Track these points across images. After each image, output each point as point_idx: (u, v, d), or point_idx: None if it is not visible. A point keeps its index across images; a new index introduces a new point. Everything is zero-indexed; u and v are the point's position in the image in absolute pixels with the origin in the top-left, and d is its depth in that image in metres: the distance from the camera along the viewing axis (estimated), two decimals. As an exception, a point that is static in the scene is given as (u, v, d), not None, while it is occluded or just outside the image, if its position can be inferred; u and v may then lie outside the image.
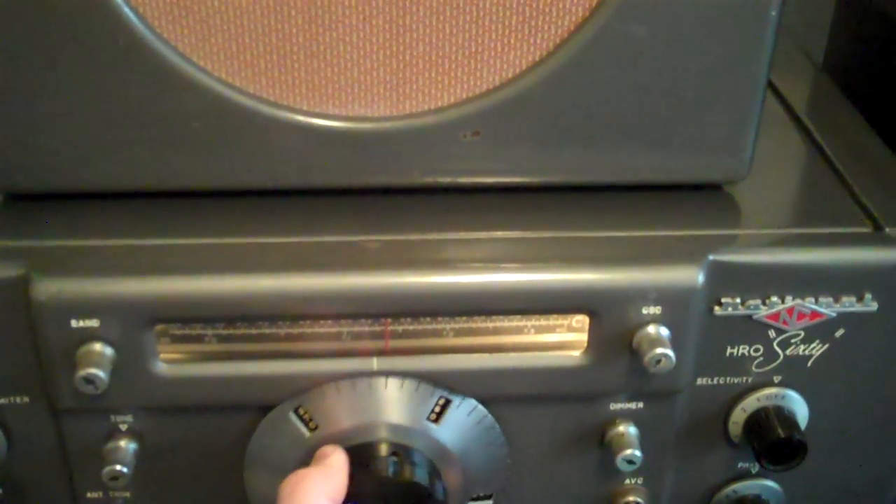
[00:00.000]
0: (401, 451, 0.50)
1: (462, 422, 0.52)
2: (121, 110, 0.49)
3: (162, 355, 0.50)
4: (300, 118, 0.50)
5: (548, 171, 0.53)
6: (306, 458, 0.50)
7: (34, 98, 0.49)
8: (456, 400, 0.51)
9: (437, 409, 0.51)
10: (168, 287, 0.48)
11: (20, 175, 0.51)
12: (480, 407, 0.52)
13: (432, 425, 0.51)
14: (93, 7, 0.47)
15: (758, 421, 0.54)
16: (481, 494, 0.54)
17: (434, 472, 0.51)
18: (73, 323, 0.48)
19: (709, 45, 0.50)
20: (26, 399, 0.51)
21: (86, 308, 0.48)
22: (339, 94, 0.50)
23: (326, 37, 0.49)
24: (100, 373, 0.47)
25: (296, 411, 0.51)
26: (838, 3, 0.79)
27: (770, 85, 0.67)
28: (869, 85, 0.73)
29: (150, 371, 0.49)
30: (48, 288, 0.47)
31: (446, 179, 0.53)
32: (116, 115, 0.49)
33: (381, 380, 0.51)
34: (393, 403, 0.51)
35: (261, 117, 0.50)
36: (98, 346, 0.48)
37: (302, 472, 0.47)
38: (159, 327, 0.49)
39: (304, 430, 0.51)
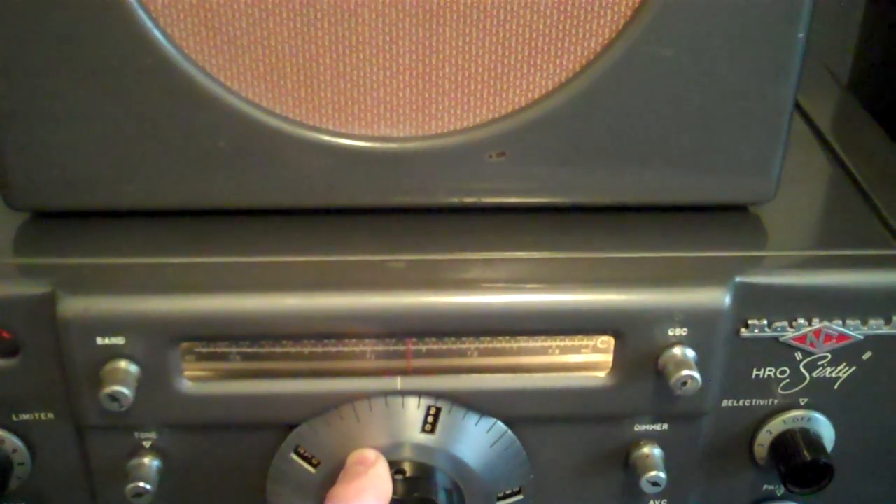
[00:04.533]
0: (403, 467, 0.51)
1: (460, 426, 0.51)
2: (147, 129, 0.50)
3: (186, 373, 0.50)
4: (326, 138, 0.50)
5: (573, 191, 0.53)
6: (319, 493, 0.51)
7: (61, 117, 0.49)
8: (446, 406, 0.51)
9: (430, 420, 0.51)
10: (193, 305, 0.48)
11: (46, 193, 0.52)
12: (473, 412, 0.51)
13: (429, 436, 0.51)
14: (121, 28, 0.47)
15: (784, 443, 0.54)
16: (507, 492, 0.54)
17: (442, 483, 0.51)
18: (99, 340, 0.48)
19: (736, 67, 0.50)
20: (51, 415, 0.51)
21: (111, 326, 0.48)
22: (365, 114, 0.50)
23: (353, 58, 0.49)
24: (125, 390, 0.47)
25: (296, 451, 0.52)
26: (863, 22, 0.78)
27: (796, 105, 0.67)
28: (894, 104, 0.72)
29: (175, 388, 0.49)
30: (74, 305, 0.48)
31: (471, 199, 0.53)
32: (143, 134, 0.50)
33: (365, 403, 0.51)
34: (384, 422, 0.51)
35: (287, 137, 0.50)
36: (123, 364, 0.48)
37: (354, 489, 0.47)
38: (184, 345, 0.49)
39: (308, 468, 0.51)
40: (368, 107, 0.50)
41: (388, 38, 0.48)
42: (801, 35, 0.49)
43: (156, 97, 0.49)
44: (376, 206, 0.53)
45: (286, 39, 0.48)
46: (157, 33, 0.47)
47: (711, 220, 0.55)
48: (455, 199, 0.53)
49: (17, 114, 0.49)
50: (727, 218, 0.55)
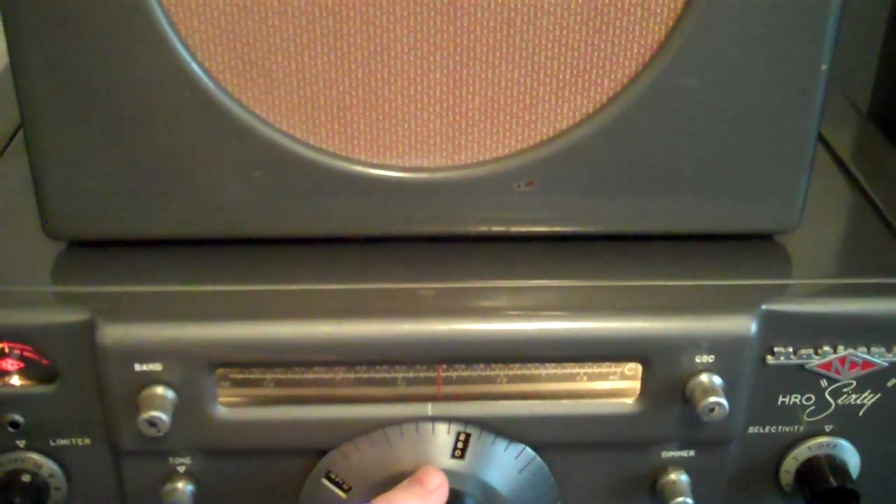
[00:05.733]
0: None
1: (489, 452, 0.52)
2: (184, 160, 0.51)
3: (221, 399, 0.51)
4: (358, 168, 0.51)
5: (601, 220, 0.54)
6: None
7: (99, 148, 0.50)
8: (475, 432, 0.52)
9: (460, 445, 0.52)
10: (229, 332, 0.49)
11: (84, 223, 0.53)
12: (502, 438, 0.52)
13: (459, 461, 0.52)
14: (161, 61, 0.48)
15: (809, 470, 0.54)
16: None
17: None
18: (137, 367, 0.49)
19: (760, 98, 0.50)
20: (87, 441, 0.52)
21: (149, 352, 0.49)
22: (396, 145, 0.51)
23: (385, 90, 0.50)
24: (162, 415, 0.48)
25: (327, 477, 0.52)
26: (883, 51, 0.79)
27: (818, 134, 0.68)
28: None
29: (210, 414, 0.50)
30: (112, 332, 0.49)
31: (500, 228, 0.54)
32: (180, 165, 0.51)
33: (395, 429, 0.51)
34: (415, 448, 0.51)
35: (320, 167, 0.51)
36: (160, 390, 0.49)
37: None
38: (220, 371, 0.50)
39: (339, 493, 0.52)
40: (400, 138, 0.51)
41: (419, 71, 0.50)
42: (824, 67, 0.50)
43: (193, 129, 0.50)
44: (407, 235, 0.54)
45: (320, 72, 0.49)
46: (195, 67, 0.49)
47: (737, 249, 0.55)
48: (484, 228, 0.54)
49: (56, 145, 0.50)
50: (752, 246, 0.56)
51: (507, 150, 0.52)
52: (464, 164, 0.52)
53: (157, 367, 0.49)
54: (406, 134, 0.51)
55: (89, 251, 0.54)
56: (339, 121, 0.51)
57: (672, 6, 0.49)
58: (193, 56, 0.49)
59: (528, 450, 0.52)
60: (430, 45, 0.49)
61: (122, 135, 0.50)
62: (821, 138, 0.67)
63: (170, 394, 0.49)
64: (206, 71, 0.49)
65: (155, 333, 0.49)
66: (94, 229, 0.53)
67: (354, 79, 0.50)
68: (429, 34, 0.49)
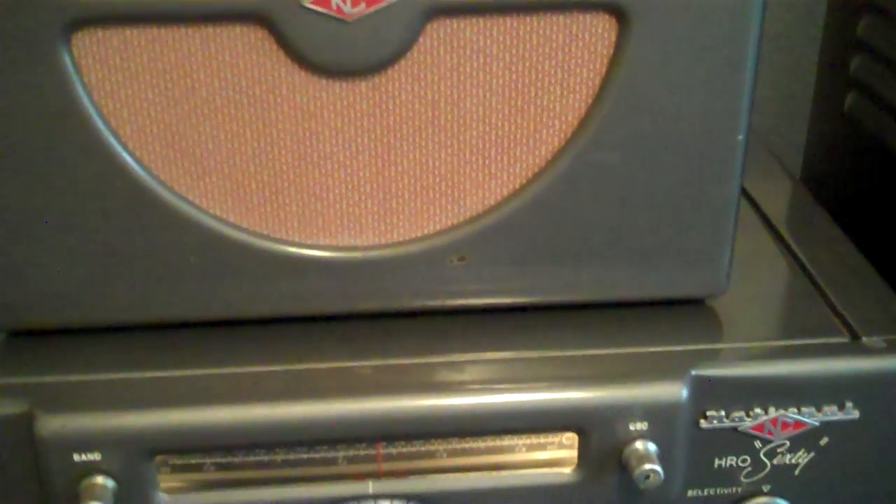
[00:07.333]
0: None
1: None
2: (120, 248, 0.51)
3: (162, 485, 0.51)
4: (292, 250, 0.52)
5: (532, 291, 0.55)
6: None
7: (34, 239, 0.51)
8: None
9: None
10: (167, 419, 0.49)
11: (22, 313, 0.53)
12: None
13: None
14: (93, 153, 0.49)
15: (749, 530, 0.55)
16: None
17: None
18: (76, 457, 0.49)
19: (679, 170, 0.52)
20: (28, 532, 0.52)
21: (87, 442, 0.49)
22: (328, 225, 0.52)
23: (315, 173, 0.51)
24: (102, 505, 0.48)
25: None
26: (813, 114, 0.82)
27: (748, 196, 0.69)
28: (845, 193, 0.75)
29: (152, 501, 0.50)
30: (51, 424, 0.49)
31: (435, 303, 0.55)
32: (116, 253, 0.52)
33: None
34: None
35: (254, 250, 0.52)
36: (100, 479, 0.49)
37: None
38: (159, 458, 0.50)
39: None
40: (332, 219, 0.52)
41: (347, 154, 0.51)
42: (740, 137, 0.52)
43: (127, 217, 0.51)
44: (342, 313, 0.55)
45: (251, 158, 0.50)
46: (127, 157, 0.50)
47: (668, 314, 0.56)
48: (418, 304, 0.55)
49: (-8, 237, 0.51)
50: (683, 311, 0.57)
51: (437, 227, 0.53)
52: (396, 241, 0.53)
53: (96, 456, 0.49)
54: (337, 214, 0.52)
55: (26, 341, 0.54)
56: (271, 204, 0.52)
57: (590, 84, 0.50)
58: (125, 147, 0.50)
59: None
60: (357, 128, 0.50)
61: (58, 225, 0.51)
62: (750, 200, 0.69)
63: (110, 483, 0.49)
64: (139, 161, 0.50)
65: (93, 423, 0.49)
66: (30, 319, 0.53)
67: (284, 163, 0.51)
68: (355, 118, 0.50)
